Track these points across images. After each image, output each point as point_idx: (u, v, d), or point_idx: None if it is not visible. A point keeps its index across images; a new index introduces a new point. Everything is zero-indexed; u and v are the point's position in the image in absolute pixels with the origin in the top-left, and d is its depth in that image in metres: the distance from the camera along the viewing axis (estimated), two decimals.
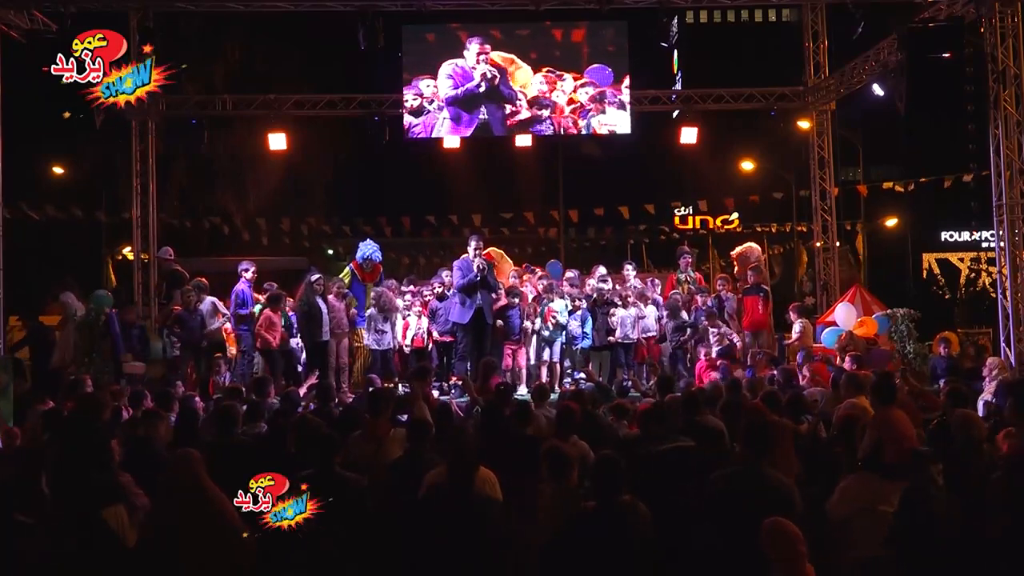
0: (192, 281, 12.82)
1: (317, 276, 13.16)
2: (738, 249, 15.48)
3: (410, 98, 16.01)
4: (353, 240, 14.92)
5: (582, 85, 16.14)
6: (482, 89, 15.96)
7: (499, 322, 12.97)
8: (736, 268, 15.12)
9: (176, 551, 4.92)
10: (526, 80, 16.07)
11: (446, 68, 15.97)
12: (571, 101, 16.14)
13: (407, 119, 16.08)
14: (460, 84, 15.97)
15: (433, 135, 16.18)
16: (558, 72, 16.12)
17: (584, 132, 16.45)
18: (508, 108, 16.06)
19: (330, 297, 12.95)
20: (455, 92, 15.95)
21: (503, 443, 6.41)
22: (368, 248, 13.96)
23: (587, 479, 5.46)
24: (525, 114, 16.10)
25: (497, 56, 16.03)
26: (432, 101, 16.04)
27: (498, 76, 15.94)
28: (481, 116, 16.01)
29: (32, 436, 7.83)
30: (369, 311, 13.03)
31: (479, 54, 15.91)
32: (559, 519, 5.15)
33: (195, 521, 4.95)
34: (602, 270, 14.66)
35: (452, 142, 16.33)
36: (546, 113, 16.12)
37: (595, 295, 13.50)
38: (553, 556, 4.93)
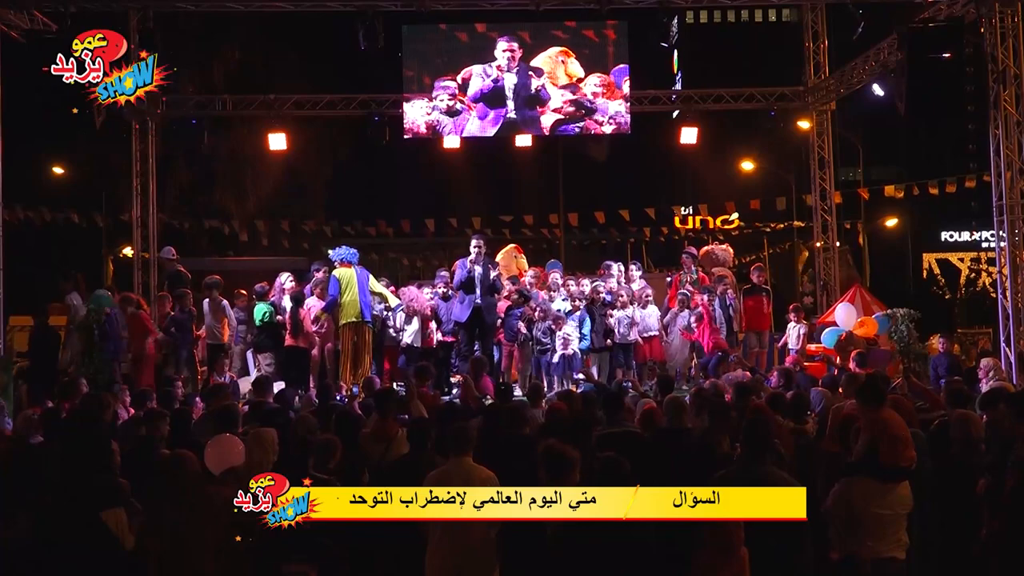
0: (207, 280, 12.79)
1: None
2: (705, 248, 15.48)
3: (445, 98, 15.93)
4: (353, 241, 14.95)
5: (607, 84, 16.04)
6: (508, 85, 15.89)
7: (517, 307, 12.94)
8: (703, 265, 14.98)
9: (172, 554, 4.91)
10: (574, 73, 16.00)
11: (477, 68, 15.93)
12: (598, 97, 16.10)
13: (440, 119, 15.96)
14: (485, 82, 15.92)
15: (464, 134, 16.09)
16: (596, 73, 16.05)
17: (610, 132, 16.39)
18: (538, 108, 15.99)
19: (313, 299, 12.90)
20: (480, 89, 15.89)
21: (501, 443, 6.40)
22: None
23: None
24: (565, 113, 16.04)
25: (547, 55, 15.92)
26: (461, 101, 15.97)
27: (532, 75, 15.87)
28: (509, 115, 15.94)
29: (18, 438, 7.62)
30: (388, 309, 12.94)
31: (506, 51, 15.84)
32: None
33: (191, 524, 4.94)
34: (614, 267, 14.59)
35: (452, 142, 16.26)
36: (585, 112, 16.07)
37: (592, 296, 13.41)
38: (557, 555, 4.92)
